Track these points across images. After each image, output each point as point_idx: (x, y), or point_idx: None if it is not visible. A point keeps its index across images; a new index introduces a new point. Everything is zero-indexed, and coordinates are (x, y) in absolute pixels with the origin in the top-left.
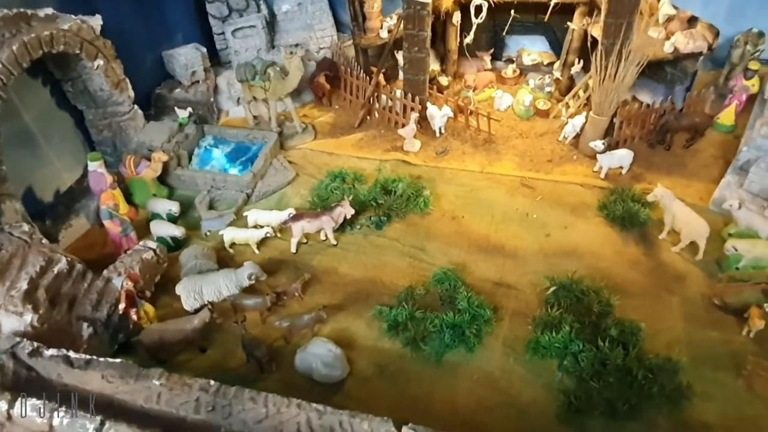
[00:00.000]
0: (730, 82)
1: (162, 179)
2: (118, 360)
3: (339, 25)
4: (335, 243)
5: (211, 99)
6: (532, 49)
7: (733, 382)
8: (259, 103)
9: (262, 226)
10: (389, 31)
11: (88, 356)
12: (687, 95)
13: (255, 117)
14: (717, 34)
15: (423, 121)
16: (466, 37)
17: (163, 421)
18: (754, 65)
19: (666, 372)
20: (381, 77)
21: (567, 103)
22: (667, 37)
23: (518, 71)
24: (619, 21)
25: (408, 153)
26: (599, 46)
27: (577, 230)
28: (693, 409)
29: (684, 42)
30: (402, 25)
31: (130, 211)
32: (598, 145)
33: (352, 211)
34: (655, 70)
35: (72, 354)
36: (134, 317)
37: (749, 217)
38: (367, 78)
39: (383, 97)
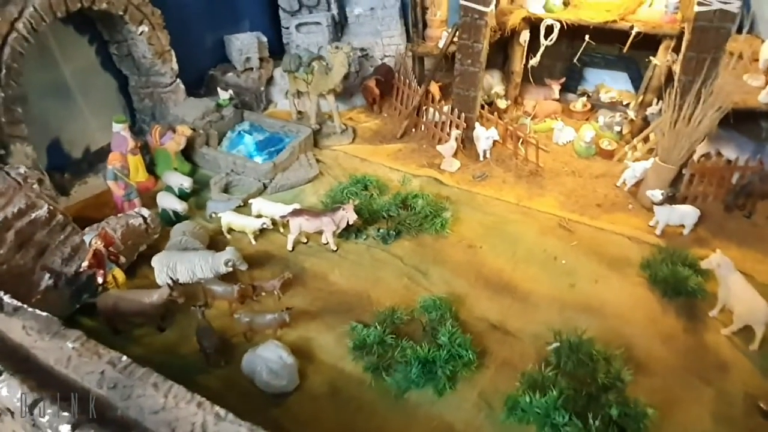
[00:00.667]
0: None
1: (188, 156)
2: (43, 313)
3: (409, 36)
4: (335, 249)
5: (262, 88)
6: (612, 86)
7: None
8: (305, 97)
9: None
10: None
11: (18, 303)
12: None
13: (300, 112)
14: None
15: (467, 142)
16: (532, 59)
17: (64, 387)
18: None
19: None
20: (435, 89)
21: (635, 146)
22: (766, 85)
23: (589, 106)
24: (702, 56)
25: (444, 172)
26: (675, 83)
27: (608, 286)
28: None
29: None
30: (457, 36)
31: (150, 180)
32: (656, 195)
33: (355, 217)
34: (746, 124)
35: (6, 298)
36: (100, 279)
37: None
38: (417, 88)
39: (431, 110)
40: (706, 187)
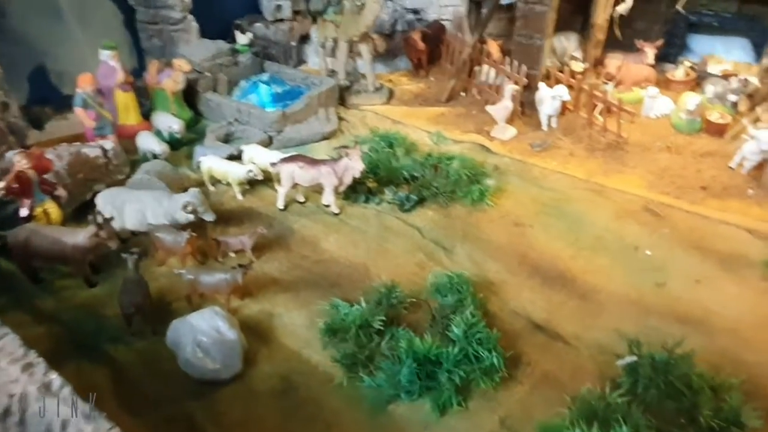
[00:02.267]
0: None
1: (192, 102)
2: None
3: None
4: (337, 211)
5: (293, 43)
6: (725, 56)
7: None
8: (338, 51)
9: None
10: None
11: None
12: None
13: (332, 71)
14: None
15: (528, 107)
16: (619, 6)
17: None
18: None
19: None
20: (494, 48)
21: (758, 117)
22: None
23: (694, 75)
24: None
25: (494, 139)
26: None
27: (717, 290)
28: None
29: None
30: None
31: (142, 124)
32: None
33: (361, 167)
34: None
35: None
36: (25, 210)
37: None
38: (469, 39)
39: (485, 68)
40: None
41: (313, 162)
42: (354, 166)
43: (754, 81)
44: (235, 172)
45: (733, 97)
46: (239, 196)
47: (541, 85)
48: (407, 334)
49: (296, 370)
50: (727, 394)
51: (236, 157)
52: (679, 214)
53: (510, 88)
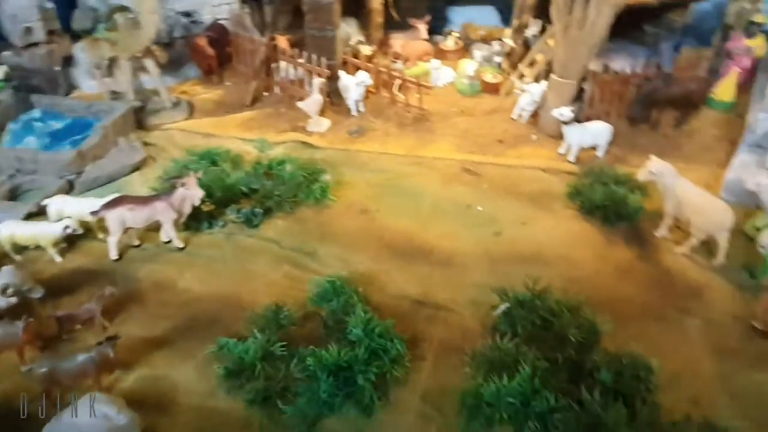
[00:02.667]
0: (727, 44)
1: None
2: None
3: None
4: (182, 246)
5: (56, 68)
6: (480, 22)
7: None
8: (117, 69)
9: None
10: None
11: None
12: (676, 55)
13: (114, 93)
14: None
15: (335, 96)
16: None
17: None
18: (760, 18)
19: None
20: (283, 42)
21: (521, 73)
22: None
23: (461, 43)
24: None
25: (312, 134)
26: None
27: (540, 226)
28: None
29: None
30: None
31: None
32: (565, 112)
33: (201, 193)
34: (634, 31)
35: None
36: None
37: None
38: (262, 40)
39: (283, 65)
40: (606, 105)
41: (144, 200)
42: (192, 194)
43: (510, 42)
44: (48, 233)
45: (497, 59)
46: (57, 258)
47: (342, 73)
48: (311, 351)
49: (208, 427)
50: (581, 311)
51: (37, 214)
52: (490, 168)
53: (318, 82)
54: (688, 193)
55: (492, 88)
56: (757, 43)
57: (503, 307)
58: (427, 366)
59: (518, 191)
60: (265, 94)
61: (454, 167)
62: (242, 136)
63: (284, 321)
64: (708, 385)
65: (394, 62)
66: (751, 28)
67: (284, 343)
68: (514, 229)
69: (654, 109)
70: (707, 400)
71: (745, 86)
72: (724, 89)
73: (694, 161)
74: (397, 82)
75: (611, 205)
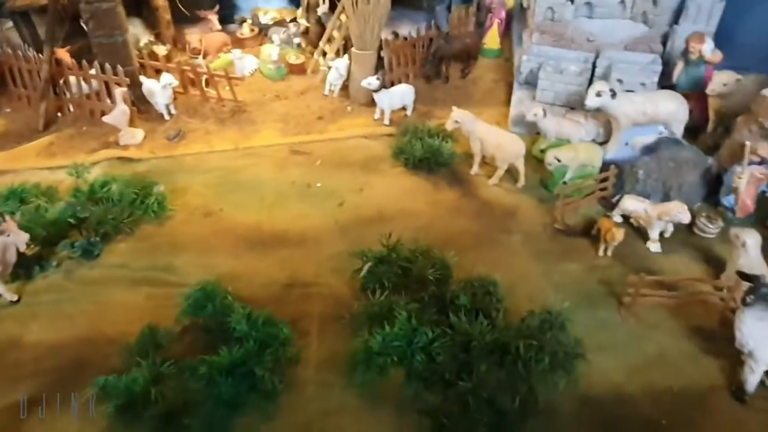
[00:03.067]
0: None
1: None
2: None
3: None
4: (15, 298)
5: None
6: (267, 6)
7: (615, 315)
8: None
9: None
10: None
11: None
12: (449, 15)
13: None
14: None
15: (141, 103)
16: None
17: None
18: None
19: (553, 333)
20: (63, 55)
21: (323, 51)
22: None
23: (257, 30)
24: None
25: (127, 147)
26: None
27: (375, 189)
28: (591, 371)
29: None
30: None
31: None
32: (372, 81)
33: (25, 237)
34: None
35: None
36: None
37: (556, 124)
38: (39, 57)
39: (72, 80)
40: (403, 68)
41: None
42: (15, 240)
43: (304, 22)
44: None
45: (296, 40)
46: None
47: (143, 78)
48: (201, 359)
49: None
50: (431, 252)
51: None
52: (317, 145)
53: (120, 91)
54: (487, 133)
55: (298, 69)
56: None
57: (366, 267)
58: (314, 339)
59: (348, 161)
60: (59, 114)
61: (283, 151)
62: (47, 165)
63: (163, 341)
64: (536, 283)
65: (194, 58)
66: None
67: (171, 361)
68: (354, 196)
69: (442, 65)
70: (539, 295)
71: (505, 34)
72: (491, 39)
73: (484, 105)
74: (204, 77)
75: (431, 156)
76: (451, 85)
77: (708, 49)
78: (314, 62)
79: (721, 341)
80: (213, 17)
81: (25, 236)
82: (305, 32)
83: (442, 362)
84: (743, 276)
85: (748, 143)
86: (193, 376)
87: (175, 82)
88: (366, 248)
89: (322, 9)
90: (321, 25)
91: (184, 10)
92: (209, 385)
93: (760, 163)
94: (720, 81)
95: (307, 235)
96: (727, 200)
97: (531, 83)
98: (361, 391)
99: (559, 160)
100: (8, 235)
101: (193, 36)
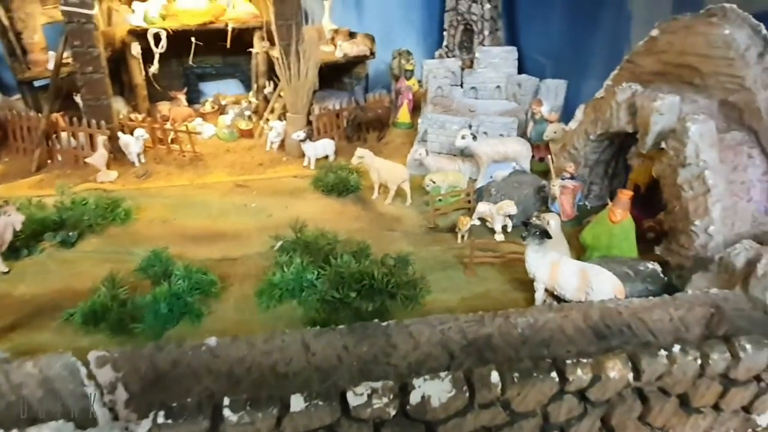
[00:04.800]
0: (396, 85)
1: None
2: None
3: (4, 90)
4: (6, 270)
5: None
6: (227, 93)
7: (461, 274)
8: None
9: None
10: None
11: None
12: (366, 94)
13: None
14: (373, 40)
15: (118, 153)
16: (150, 68)
17: None
18: (408, 66)
19: (401, 267)
20: (60, 119)
21: (267, 119)
22: (335, 47)
23: (217, 106)
24: (288, 22)
25: (103, 183)
26: (278, 47)
27: (297, 207)
28: (434, 301)
29: (350, 48)
30: (67, 47)
31: None
32: (300, 134)
33: (22, 217)
34: (336, 83)
35: None
36: None
37: (436, 161)
38: (38, 116)
39: (64, 136)
40: (330, 132)
41: None
42: (13, 219)
43: (254, 100)
44: None
45: (247, 113)
46: None
47: (120, 133)
48: (148, 295)
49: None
50: (328, 234)
51: None
52: (257, 182)
53: (101, 138)
54: (382, 164)
55: (247, 134)
56: (412, 83)
57: (280, 242)
58: (235, 287)
59: (279, 191)
60: (49, 161)
61: (229, 185)
62: (37, 194)
63: (119, 289)
64: (408, 254)
65: (164, 124)
66: (406, 74)
67: (126, 287)
68: (281, 212)
69: (360, 129)
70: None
71: (414, 111)
72: (402, 114)
73: (391, 157)
74: (171, 135)
75: (340, 183)
76: (368, 145)
77: (545, 110)
78: (260, 128)
79: (528, 284)
80: (181, 96)
81: (21, 217)
82: (255, 109)
83: (322, 288)
84: (524, 223)
85: (550, 159)
86: (140, 304)
87: (147, 136)
88: (281, 233)
89: (268, 89)
90: (267, 101)
91: (158, 87)
92: (153, 304)
93: (570, 178)
94: (551, 130)
95: (241, 233)
96: (554, 207)
97: (425, 139)
98: (266, 313)
99: (433, 182)
100: (9, 215)
101: (164, 107)
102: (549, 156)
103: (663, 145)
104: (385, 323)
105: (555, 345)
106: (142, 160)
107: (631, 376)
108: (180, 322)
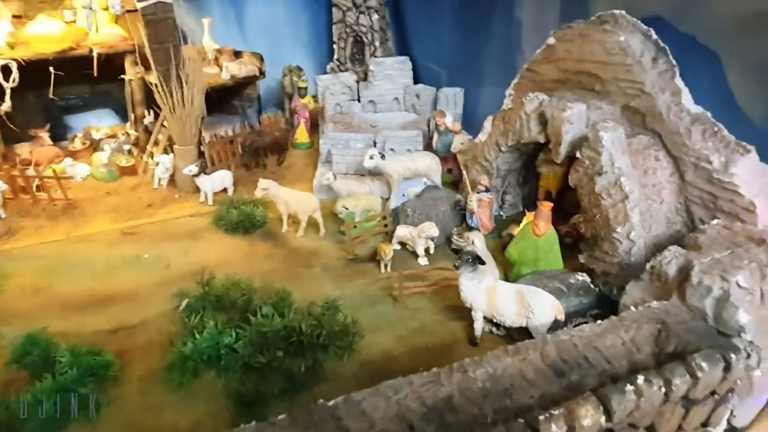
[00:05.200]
0: (291, 104)
1: None
2: None
3: None
4: None
5: None
6: (100, 125)
7: (391, 308)
8: None
9: None
10: None
11: None
12: (260, 117)
13: None
14: (261, 58)
15: None
16: (2, 105)
17: None
18: (302, 84)
19: (329, 315)
20: None
21: (151, 152)
22: (221, 68)
23: (88, 143)
24: (164, 45)
25: None
26: (155, 72)
27: (199, 251)
28: (369, 346)
29: (237, 69)
30: None
31: None
32: (192, 168)
33: None
34: (226, 106)
35: None
36: None
37: (346, 184)
38: None
39: None
40: (225, 162)
41: None
42: None
43: (133, 132)
44: None
45: (127, 147)
46: None
47: None
48: (27, 395)
49: None
50: (241, 283)
51: None
52: (147, 227)
53: None
54: (289, 195)
55: (129, 171)
56: (308, 100)
57: (185, 302)
58: (136, 363)
59: (175, 234)
60: None
61: (115, 234)
62: None
63: None
64: (330, 295)
65: (26, 169)
66: (300, 91)
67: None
68: (180, 259)
69: (258, 155)
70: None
71: (312, 129)
72: (301, 134)
73: (296, 182)
74: (35, 181)
75: (245, 219)
76: (269, 171)
77: (449, 121)
78: (143, 163)
79: (463, 310)
80: (44, 134)
81: None
82: (135, 141)
83: (244, 353)
84: (454, 251)
85: (466, 174)
86: (17, 403)
87: (5, 187)
88: (184, 288)
89: (148, 119)
90: (148, 133)
91: (12, 126)
92: (33, 406)
93: (485, 191)
94: (458, 141)
95: (137, 292)
96: (472, 222)
97: (330, 161)
98: (179, 392)
99: (346, 208)
100: None
101: (24, 149)
102: (465, 172)
103: (578, 154)
104: (331, 403)
105: (517, 392)
106: (2, 216)
107: (603, 419)
108: (73, 421)
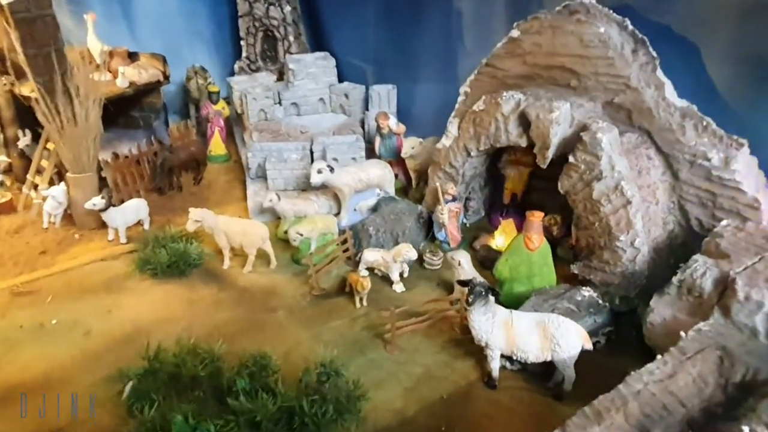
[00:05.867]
0: (201, 112)
1: None
2: None
3: None
4: None
5: None
6: None
7: (383, 353)
8: None
9: None
10: None
11: None
12: (169, 129)
13: None
14: (164, 60)
15: None
16: None
17: None
18: (213, 88)
19: (331, 382)
20: None
21: (33, 183)
22: (115, 75)
23: None
24: (44, 50)
25: None
26: (32, 84)
27: (125, 307)
28: (376, 408)
29: (136, 74)
30: None
31: None
32: (97, 202)
33: None
34: (124, 119)
35: None
36: None
37: (291, 204)
38: None
39: None
40: (132, 186)
41: None
42: None
43: (4, 158)
44: None
45: None
46: None
47: None
48: None
49: None
50: (199, 350)
51: None
52: (46, 281)
53: None
54: (229, 224)
55: (6, 208)
56: (221, 106)
57: (128, 387)
58: None
59: (88, 288)
60: None
61: (3, 297)
62: None
63: None
64: (309, 346)
65: None
66: (212, 97)
67: None
68: (102, 321)
69: (172, 175)
70: (311, 354)
71: (228, 139)
72: (216, 145)
73: (223, 204)
74: None
75: (179, 260)
76: (186, 192)
77: (393, 123)
78: (25, 197)
79: (467, 345)
80: None
81: None
82: (8, 169)
83: None
84: (461, 283)
85: (439, 185)
86: None
87: None
88: (125, 367)
89: (24, 141)
90: (26, 158)
91: None
92: None
93: (452, 200)
94: (408, 146)
95: (52, 376)
96: (440, 235)
97: (262, 176)
98: None
99: (301, 234)
100: None
101: None
102: (436, 181)
103: (570, 158)
104: None
105: None
106: None
107: None
108: None
